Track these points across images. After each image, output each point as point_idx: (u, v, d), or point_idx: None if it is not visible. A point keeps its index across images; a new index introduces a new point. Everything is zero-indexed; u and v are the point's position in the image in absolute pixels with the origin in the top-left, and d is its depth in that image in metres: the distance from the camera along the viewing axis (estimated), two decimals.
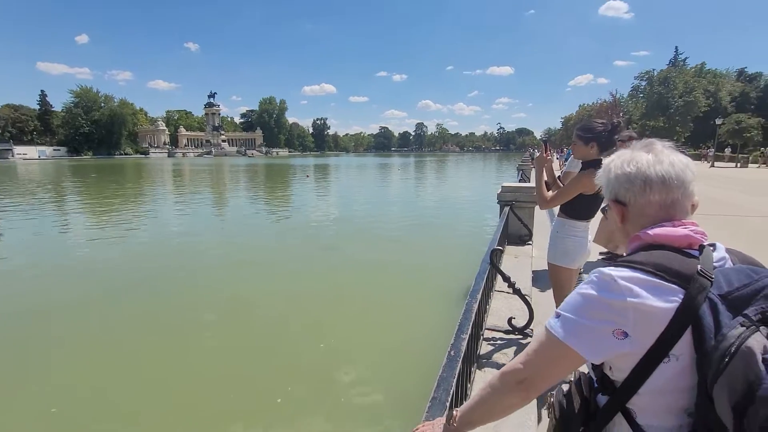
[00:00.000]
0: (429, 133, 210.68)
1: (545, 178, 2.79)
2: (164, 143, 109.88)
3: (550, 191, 2.67)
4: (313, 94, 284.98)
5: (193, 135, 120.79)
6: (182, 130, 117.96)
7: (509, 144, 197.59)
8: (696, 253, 0.86)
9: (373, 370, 4.15)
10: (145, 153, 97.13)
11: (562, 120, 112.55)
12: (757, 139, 36.10)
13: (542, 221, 6.89)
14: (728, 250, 0.90)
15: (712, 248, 0.88)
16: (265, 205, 17.51)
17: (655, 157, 0.93)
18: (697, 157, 39.16)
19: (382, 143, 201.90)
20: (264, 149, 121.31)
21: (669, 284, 0.80)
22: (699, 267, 0.81)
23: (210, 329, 5.14)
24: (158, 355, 4.51)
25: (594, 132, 2.45)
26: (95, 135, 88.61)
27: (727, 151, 34.21)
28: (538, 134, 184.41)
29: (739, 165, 29.88)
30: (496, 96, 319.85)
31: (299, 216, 14.08)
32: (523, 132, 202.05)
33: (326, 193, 22.16)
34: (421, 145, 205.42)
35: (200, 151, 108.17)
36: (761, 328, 0.72)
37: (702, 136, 48.49)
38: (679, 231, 0.88)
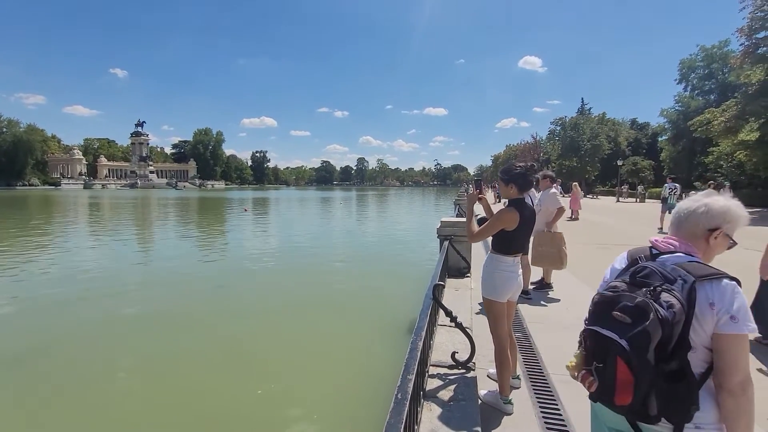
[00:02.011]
0: (370, 167, 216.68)
1: (481, 213, 2.97)
2: (80, 173, 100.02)
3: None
4: (252, 126, 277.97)
5: (116, 165, 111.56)
6: (103, 160, 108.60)
7: (446, 179, 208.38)
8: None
9: (317, 414, 3.91)
10: (55, 184, 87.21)
11: (492, 158, 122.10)
12: (650, 177, 42.36)
13: (481, 254, 7.21)
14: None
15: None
16: (196, 241, 16.36)
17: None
18: (610, 194, 44.61)
19: (324, 177, 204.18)
20: (198, 181, 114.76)
21: None
22: None
23: (129, 386, 4.54)
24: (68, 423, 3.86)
25: (511, 174, 2.69)
26: None
27: (625, 188, 39.35)
28: (471, 170, 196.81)
29: (638, 200, 34.15)
30: (433, 134, 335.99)
31: (235, 251, 13.35)
32: (458, 168, 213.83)
33: (266, 227, 21.41)
34: (362, 179, 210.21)
35: (124, 183, 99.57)
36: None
37: (608, 174, 55.41)
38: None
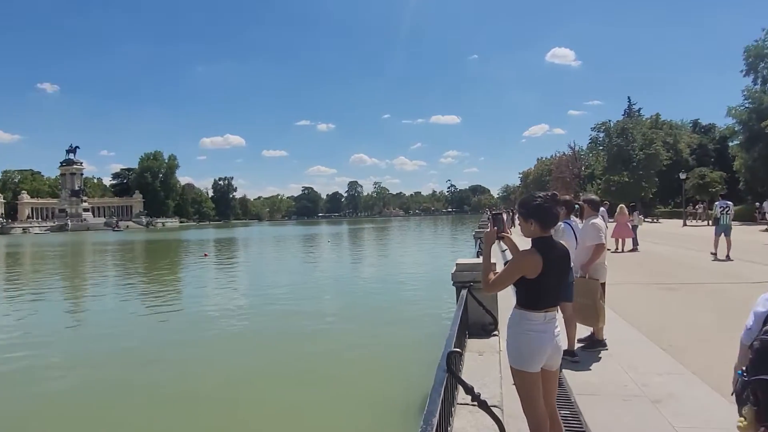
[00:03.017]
0: (365, 194, 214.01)
1: (500, 256, 2.98)
2: None
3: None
4: (214, 147, 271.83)
5: (42, 203, 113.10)
6: (25, 197, 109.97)
7: (463, 204, 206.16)
8: None
9: None
10: None
11: (521, 175, 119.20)
12: (722, 192, 41.92)
13: (511, 305, 7.14)
14: None
15: None
16: (143, 298, 16.24)
17: None
18: (675, 215, 44.40)
19: (307, 208, 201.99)
20: (145, 219, 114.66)
21: None
22: None
23: None
24: None
25: (529, 207, 2.71)
26: None
27: (700, 208, 38.96)
28: (494, 191, 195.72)
29: (709, 222, 34.18)
30: (444, 149, 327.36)
31: (187, 313, 13.21)
32: (477, 190, 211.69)
33: (232, 278, 21.37)
34: (356, 208, 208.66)
35: (51, 225, 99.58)
36: None
37: (669, 190, 55.38)
38: None
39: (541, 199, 2.71)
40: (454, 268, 5.96)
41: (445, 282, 6.47)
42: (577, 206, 5.73)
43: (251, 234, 69.67)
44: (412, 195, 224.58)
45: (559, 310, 3.49)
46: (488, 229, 2.92)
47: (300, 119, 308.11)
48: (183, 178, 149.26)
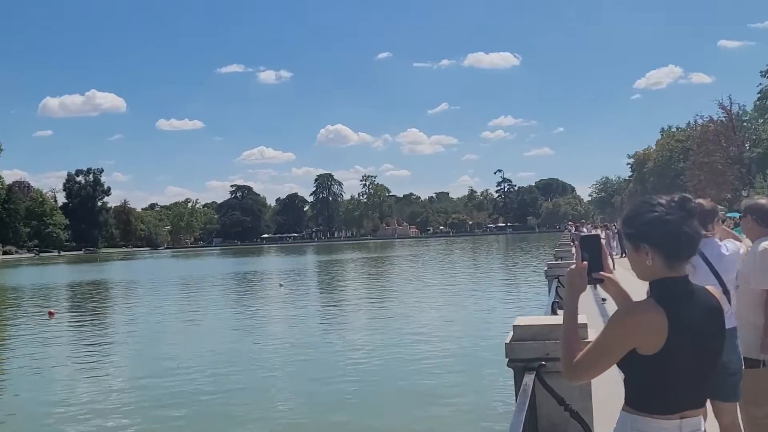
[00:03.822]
0: (346, 196, 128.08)
1: (597, 311, 2.06)
2: None
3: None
4: (68, 114, 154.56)
5: None
6: None
7: (525, 214, 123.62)
8: None
9: None
10: None
11: (632, 161, 75.68)
12: None
13: (616, 402, 5.04)
14: None
15: None
16: None
17: None
18: None
19: (239, 222, 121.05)
20: None
21: None
22: None
23: None
24: None
25: (639, 224, 1.78)
26: None
27: None
28: (584, 191, 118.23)
29: None
30: (489, 114, 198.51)
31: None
32: (551, 188, 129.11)
33: (104, 353, 14.53)
34: (329, 223, 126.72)
35: None
36: None
37: None
38: None
39: (663, 209, 1.75)
40: (510, 334, 3.97)
41: (492, 359, 4.54)
42: (730, 216, 3.68)
43: (137, 271, 47.77)
44: (431, 199, 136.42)
45: (712, 414, 2.57)
46: (573, 264, 1.93)
47: (226, 63, 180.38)
48: (7, 173, 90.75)
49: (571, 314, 1.90)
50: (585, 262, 1.88)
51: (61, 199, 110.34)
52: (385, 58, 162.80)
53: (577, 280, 1.91)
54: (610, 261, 1.97)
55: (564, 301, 2.03)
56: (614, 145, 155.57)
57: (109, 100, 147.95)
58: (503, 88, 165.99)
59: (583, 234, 1.92)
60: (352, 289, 30.07)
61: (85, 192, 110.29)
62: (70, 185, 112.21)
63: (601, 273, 1.88)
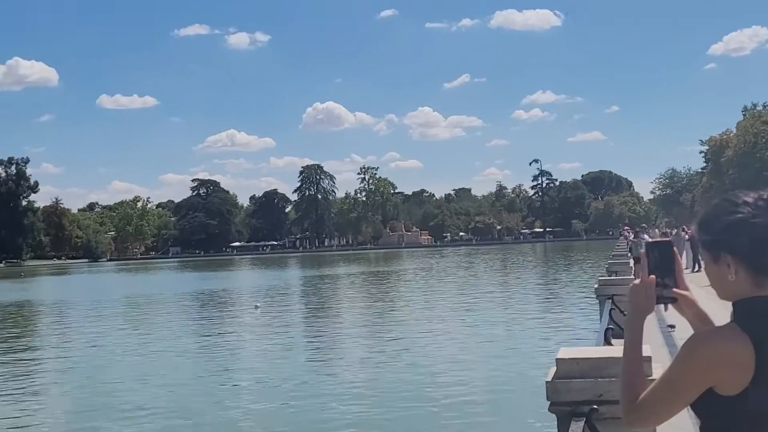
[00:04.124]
0: (340, 195, 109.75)
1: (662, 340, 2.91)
2: None
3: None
4: None
5: None
6: None
7: (568, 217, 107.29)
8: None
9: None
10: None
11: (706, 148, 65.09)
12: None
13: None
14: None
15: None
16: None
17: None
18: None
19: (203, 227, 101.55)
20: None
21: None
22: None
23: None
24: None
25: (719, 228, 1.56)
26: None
27: None
28: (644, 186, 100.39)
29: None
30: (524, 89, 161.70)
31: None
32: (601, 182, 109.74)
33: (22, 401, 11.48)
34: (318, 227, 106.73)
35: None
36: None
37: None
38: None
39: (749, 210, 1.54)
40: (553, 370, 3.31)
41: (529, 403, 4.71)
42: None
43: (70, 290, 39.29)
44: (449, 197, 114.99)
45: None
46: (636, 279, 1.68)
47: (185, 24, 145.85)
48: None
49: (634, 344, 1.67)
50: (653, 276, 1.62)
51: None
52: (389, 17, 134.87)
53: (642, 300, 1.67)
54: (685, 275, 1.67)
55: (625, 327, 1.78)
56: (683, 129, 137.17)
57: (36, 71, 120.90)
58: (541, 56, 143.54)
59: (650, 240, 1.61)
60: (348, 312, 25.16)
61: (5, 188, 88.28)
62: None
63: (675, 290, 1.63)
